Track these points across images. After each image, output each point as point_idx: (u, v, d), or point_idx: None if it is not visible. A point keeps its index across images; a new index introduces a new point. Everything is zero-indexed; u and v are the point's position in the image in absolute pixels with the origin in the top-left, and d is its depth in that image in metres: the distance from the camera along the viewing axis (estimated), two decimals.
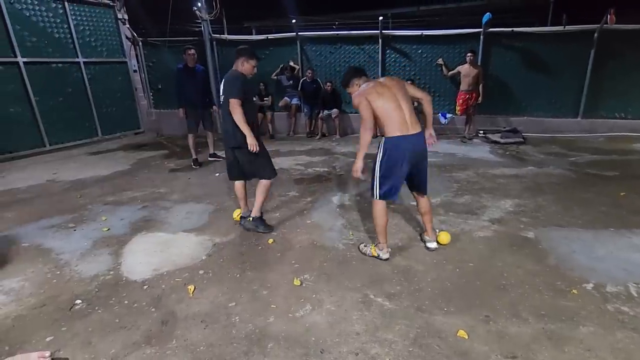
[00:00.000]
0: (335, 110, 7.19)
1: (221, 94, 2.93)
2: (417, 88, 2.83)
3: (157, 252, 2.89)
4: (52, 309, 2.22)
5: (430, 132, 2.73)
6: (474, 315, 2.07)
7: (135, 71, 7.55)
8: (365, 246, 2.80)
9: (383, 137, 2.53)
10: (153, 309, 2.21)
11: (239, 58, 2.94)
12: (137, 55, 7.60)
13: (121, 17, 7.12)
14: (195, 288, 2.40)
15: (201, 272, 2.61)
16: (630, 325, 1.96)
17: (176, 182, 4.66)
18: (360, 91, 2.52)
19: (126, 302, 2.29)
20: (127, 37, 7.29)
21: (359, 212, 3.54)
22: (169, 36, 7.59)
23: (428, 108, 2.70)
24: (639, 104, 6.74)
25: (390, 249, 2.71)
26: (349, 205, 3.75)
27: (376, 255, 2.69)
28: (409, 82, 6.50)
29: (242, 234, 3.17)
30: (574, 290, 2.26)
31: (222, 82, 2.94)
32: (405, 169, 2.52)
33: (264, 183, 3.11)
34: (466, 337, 1.91)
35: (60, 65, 6.33)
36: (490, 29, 6.76)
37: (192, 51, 5.18)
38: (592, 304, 2.14)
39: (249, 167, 3.07)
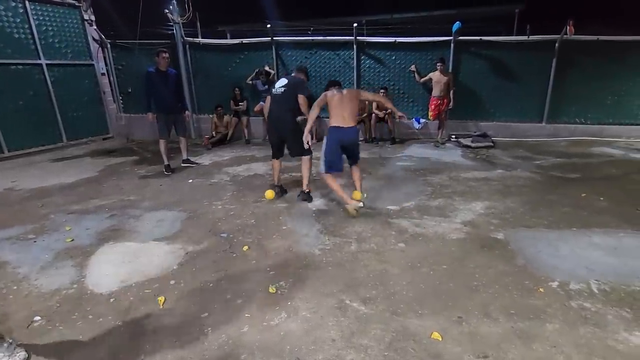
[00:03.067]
0: None
1: (282, 89, 3.83)
2: (374, 94, 3.97)
3: (125, 263, 2.77)
4: (7, 327, 2.07)
5: (398, 113, 3.84)
6: (447, 317, 2.10)
7: (103, 74, 7.25)
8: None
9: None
10: (120, 323, 2.11)
11: (301, 72, 4.04)
12: (105, 58, 7.32)
13: (87, 18, 6.84)
14: (165, 299, 2.32)
15: (172, 282, 2.51)
16: (592, 320, 2.05)
17: (147, 189, 4.49)
18: (326, 92, 3.63)
19: (90, 316, 2.17)
20: (94, 39, 7.01)
21: (335, 217, 3.54)
22: (140, 38, 7.37)
23: (387, 104, 4.02)
24: (597, 110, 7.18)
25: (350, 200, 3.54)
26: (325, 210, 3.75)
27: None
28: (382, 91, 6.65)
29: (215, 242, 3.09)
30: (540, 289, 2.35)
31: (286, 83, 3.85)
32: (340, 151, 3.57)
33: (306, 159, 3.95)
34: (440, 338, 1.93)
35: (20, 67, 5.99)
36: (460, 37, 7.00)
37: (166, 54, 5.06)
38: (558, 301, 2.23)
39: (297, 148, 3.89)
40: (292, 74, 4.04)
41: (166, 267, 2.70)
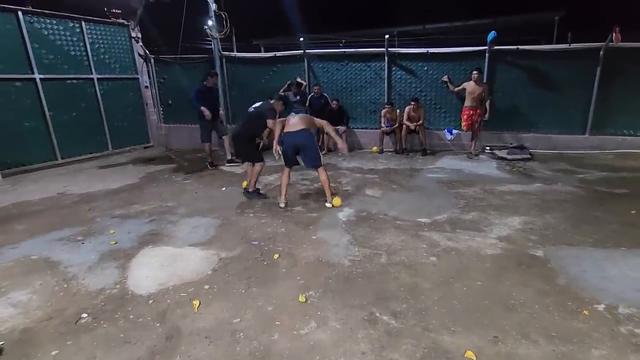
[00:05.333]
0: (341, 127, 7.26)
1: (253, 110, 4.44)
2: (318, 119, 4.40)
3: (163, 266, 2.90)
4: (58, 323, 2.24)
5: (340, 144, 4.38)
6: (482, 336, 2.03)
7: (146, 87, 7.75)
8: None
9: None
10: (158, 324, 2.21)
11: (279, 100, 4.52)
12: (148, 72, 7.81)
13: (135, 36, 7.36)
14: (200, 303, 2.40)
15: (206, 287, 2.61)
16: None
17: (183, 196, 4.70)
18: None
19: (131, 316, 2.29)
20: (139, 55, 7.52)
21: (365, 228, 3.53)
22: (180, 54, 7.81)
23: (327, 129, 4.49)
24: None
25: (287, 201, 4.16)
26: (354, 221, 3.74)
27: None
28: (412, 103, 6.61)
29: (247, 249, 3.17)
30: (585, 311, 2.21)
31: (258, 106, 4.44)
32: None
33: (259, 165, 4.50)
34: (474, 358, 1.87)
35: (74, 81, 6.54)
36: (496, 47, 6.83)
37: (217, 75, 6.57)
38: (604, 325, 2.08)
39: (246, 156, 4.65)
40: (271, 101, 4.47)
41: (201, 272, 2.81)
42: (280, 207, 4.13)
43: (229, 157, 6.42)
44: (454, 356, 1.88)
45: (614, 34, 6.17)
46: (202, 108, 5.97)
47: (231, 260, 2.98)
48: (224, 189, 5.01)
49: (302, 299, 2.42)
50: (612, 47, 6.35)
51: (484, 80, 6.74)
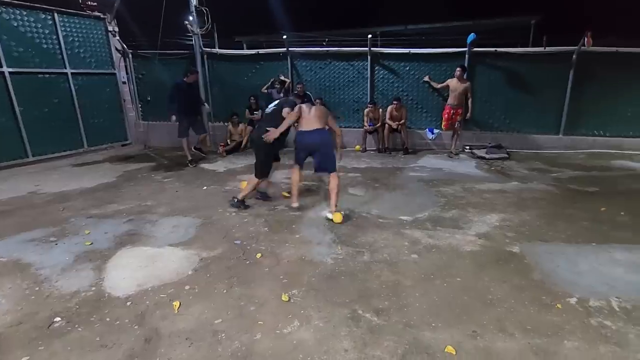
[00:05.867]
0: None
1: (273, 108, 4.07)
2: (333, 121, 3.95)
3: (142, 267, 2.83)
4: (29, 327, 2.14)
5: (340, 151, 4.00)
6: (461, 331, 2.07)
7: (124, 83, 7.51)
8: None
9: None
10: (136, 326, 2.15)
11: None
12: (126, 67, 7.58)
13: (111, 30, 7.12)
14: (180, 304, 2.35)
15: (187, 287, 2.55)
16: (613, 339, 1.99)
17: (163, 195, 4.59)
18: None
19: (108, 319, 2.22)
20: (116, 49, 7.28)
21: (348, 227, 3.54)
22: (160, 49, 7.61)
23: (338, 138, 3.98)
24: (616, 122, 7.02)
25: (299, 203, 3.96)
26: None
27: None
28: (395, 102, 6.64)
29: (229, 248, 3.13)
30: (558, 305, 2.29)
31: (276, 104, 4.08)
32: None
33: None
34: (454, 352, 1.91)
35: (47, 75, 6.26)
36: (475, 49, 6.99)
37: (198, 73, 6.61)
38: (576, 318, 2.17)
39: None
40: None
41: (181, 273, 2.75)
42: (294, 207, 3.92)
43: (198, 146, 6.63)
44: (434, 351, 1.92)
45: (585, 39, 6.44)
46: (171, 113, 6.07)
47: (213, 260, 2.94)
48: (205, 187, 4.92)
49: (285, 298, 2.40)
50: (584, 50, 6.62)
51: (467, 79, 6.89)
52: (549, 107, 7.13)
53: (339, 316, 2.22)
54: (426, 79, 7.12)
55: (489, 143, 6.98)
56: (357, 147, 7.50)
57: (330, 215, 3.67)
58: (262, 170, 3.98)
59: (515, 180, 5.18)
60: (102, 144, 7.18)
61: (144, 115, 7.99)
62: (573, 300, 2.34)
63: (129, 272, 2.76)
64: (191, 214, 3.92)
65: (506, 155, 6.59)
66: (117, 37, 7.25)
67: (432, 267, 2.78)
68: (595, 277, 2.61)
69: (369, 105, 7.20)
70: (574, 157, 6.73)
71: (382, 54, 7.42)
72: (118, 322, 2.19)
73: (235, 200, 4.05)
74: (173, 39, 8.59)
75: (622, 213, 3.82)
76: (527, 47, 8.84)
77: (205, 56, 7.62)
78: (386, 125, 7.12)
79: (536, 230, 3.45)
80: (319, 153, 3.73)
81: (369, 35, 7.11)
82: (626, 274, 2.65)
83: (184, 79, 6.07)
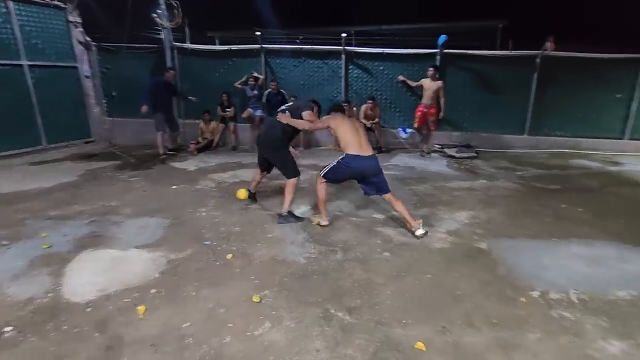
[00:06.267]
0: None
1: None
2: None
3: (105, 271, 2.68)
4: None
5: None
6: (431, 327, 2.11)
7: (87, 77, 7.12)
8: (313, 216, 3.61)
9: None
10: (97, 334, 2.03)
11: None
12: (90, 61, 7.19)
13: (73, 20, 6.73)
14: (145, 309, 2.25)
15: (153, 291, 2.45)
16: (572, 330, 2.09)
17: (129, 195, 4.39)
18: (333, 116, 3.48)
19: (65, 327, 2.09)
20: (79, 41, 6.89)
21: (321, 225, 3.52)
22: (127, 42, 7.28)
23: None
24: (574, 123, 7.43)
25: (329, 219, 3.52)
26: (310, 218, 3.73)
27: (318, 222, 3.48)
28: (369, 101, 6.69)
29: (199, 249, 3.03)
30: (522, 299, 2.38)
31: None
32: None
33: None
34: (424, 349, 1.93)
35: (0, 67, 5.83)
36: (446, 50, 7.17)
37: (173, 72, 6.75)
38: (538, 311, 2.26)
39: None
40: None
41: (147, 276, 2.63)
42: (323, 225, 3.46)
43: (170, 146, 6.74)
44: (404, 348, 1.94)
45: (548, 43, 6.76)
46: (142, 104, 6.18)
47: (181, 262, 2.83)
48: (174, 187, 4.75)
49: (256, 299, 2.36)
50: (546, 55, 6.95)
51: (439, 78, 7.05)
52: (515, 108, 7.44)
53: (311, 316, 2.20)
54: (401, 77, 7.22)
55: (459, 142, 7.19)
56: (331, 145, 7.50)
57: (421, 231, 3.25)
58: (293, 167, 3.66)
59: (483, 178, 5.36)
60: (63, 141, 6.78)
61: (109, 111, 7.60)
62: (536, 294, 2.44)
63: (90, 276, 2.61)
64: (159, 215, 3.77)
65: (475, 155, 6.81)
66: (80, 29, 6.86)
67: (403, 264, 2.82)
68: (556, 271, 2.73)
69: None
70: (538, 156, 7.06)
71: (356, 53, 7.46)
72: (77, 330, 2.06)
73: (282, 215, 3.62)
74: (141, 32, 8.25)
75: (580, 209, 4.04)
76: (495, 50, 9.17)
77: (175, 51, 7.37)
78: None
79: (502, 226, 3.58)
80: (375, 177, 3.33)
81: (343, 34, 7.12)
82: (584, 267, 2.80)
83: (163, 78, 6.46)
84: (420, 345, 1.95)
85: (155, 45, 7.30)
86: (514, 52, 7.23)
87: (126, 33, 6.89)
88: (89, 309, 2.25)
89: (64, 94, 6.76)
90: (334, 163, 3.34)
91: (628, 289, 2.50)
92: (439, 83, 6.70)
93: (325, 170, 3.40)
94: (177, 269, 2.73)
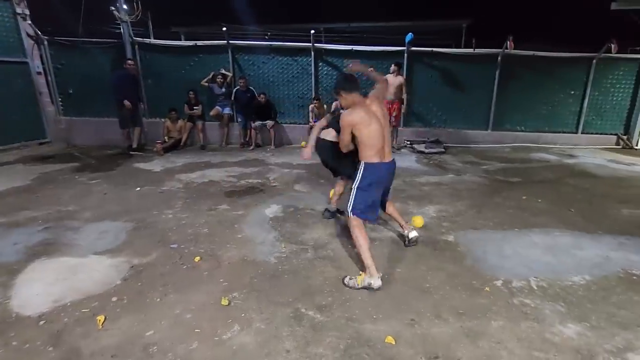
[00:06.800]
0: (269, 122, 7.12)
1: None
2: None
3: (60, 280, 2.51)
4: None
5: None
6: (400, 320, 2.13)
7: (39, 73, 6.66)
8: (350, 279, 2.46)
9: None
10: (51, 348, 1.90)
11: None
12: (42, 56, 6.72)
13: (21, 12, 6.25)
14: (105, 318, 2.13)
15: (114, 299, 2.32)
16: (532, 316, 2.18)
17: (89, 199, 4.15)
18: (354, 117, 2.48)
19: (15, 343, 1.93)
20: (28, 35, 6.42)
21: (292, 224, 3.49)
22: (84, 36, 6.87)
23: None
24: (534, 119, 7.82)
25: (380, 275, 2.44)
26: (282, 217, 3.68)
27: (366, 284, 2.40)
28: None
29: (164, 253, 2.91)
30: (486, 288, 2.46)
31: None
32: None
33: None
34: (394, 342, 1.95)
35: None
36: (413, 48, 7.31)
37: (132, 61, 6.49)
38: (502, 299, 2.35)
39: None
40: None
41: (108, 283, 2.49)
42: (374, 288, 2.41)
43: (134, 145, 6.60)
44: (375, 343, 1.95)
45: (508, 42, 7.05)
46: (125, 101, 6.20)
47: (145, 267, 2.71)
48: (138, 188, 4.54)
49: (224, 302, 2.29)
50: (507, 53, 7.25)
51: (403, 75, 7.18)
52: (479, 104, 7.72)
53: (281, 316, 2.16)
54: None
55: (428, 138, 7.37)
56: (304, 143, 7.46)
57: (412, 235, 3.03)
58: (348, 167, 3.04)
59: (451, 172, 5.52)
60: (13, 142, 6.31)
61: (65, 110, 7.16)
62: (499, 283, 2.53)
63: (44, 286, 2.44)
64: (122, 218, 3.59)
65: (443, 150, 7.00)
66: (29, 21, 6.39)
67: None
68: (517, 260, 2.85)
69: (314, 101, 7.20)
70: (501, 150, 7.37)
71: (325, 50, 7.45)
72: (28, 346, 1.92)
73: (328, 211, 3.58)
74: (99, 26, 7.82)
75: (539, 200, 4.24)
76: (460, 48, 9.47)
77: (136, 46, 7.03)
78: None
79: (468, 219, 3.69)
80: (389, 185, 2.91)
81: (312, 31, 7.08)
82: (543, 255, 2.94)
83: (125, 69, 6.31)
84: (390, 339, 1.97)
85: (113, 40, 6.94)
86: (477, 51, 7.50)
87: (80, 27, 6.51)
88: (42, 322, 2.09)
89: (12, 91, 6.30)
90: (355, 190, 2.57)
91: (583, 274, 2.65)
92: (401, 79, 6.84)
93: (351, 204, 2.56)
94: (140, 275, 2.60)
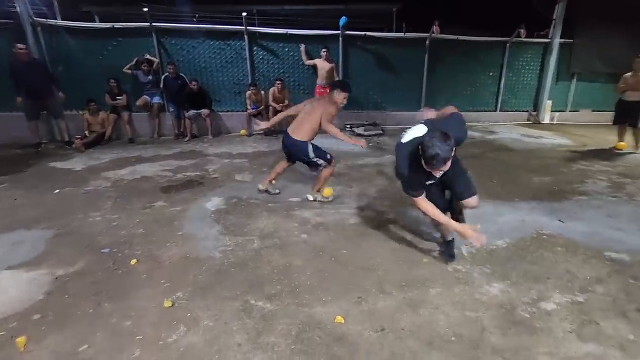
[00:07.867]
0: (205, 110, 6.76)
1: None
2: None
3: None
4: None
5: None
6: (348, 300, 2.21)
7: None
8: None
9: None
10: None
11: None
12: None
13: None
14: (28, 339, 1.90)
15: (37, 317, 2.08)
16: (463, 280, 2.41)
17: None
18: None
19: None
20: None
21: (236, 216, 3.40)
22: None
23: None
24: (460, 99, 8.42)
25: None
26: (224, 209, 3.56)
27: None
28: (278, 82, 6.52)
29: (95, 260, 2.66)
30: (424, 260, 2.65)
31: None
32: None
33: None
34: (343, 321, 2.02)
35: None
36: (348, 32, 7.39)
37: (22, 47, 5.47)
38: (438, 268, 2.55)
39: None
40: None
41: (28, 300, 2.22)
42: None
43: (66, 139, 6.13)
44: (326, 325, 2.00)
45: (434, 27, 7.45)
46: (18, 96, 5.61)
47: (72, 278, 2.45)
48: (57, 191, 4.06)
49: (168, 304, 2.17)
50: (434, 38, 7.67)
51: (337, 62, 7.25)
52: (412, 86, 8.11)
53: (230, 311, 2.12)
54: (302, 48, 7.18)
55: (367, 121, 7.60)
56: (243, 131, 7.24)
57: (311, 198, 3.74)
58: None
59: (389, 154, 5.77)
60: None
61: None
62: (435, 254, 2.74)
63: None
64: (39, 226, 3.20)
65: (381, 132, 7.28)
66: None
67: (320, 244, 2.89)
68: None
69: (250, 88, 6.98)
70: None
71: (260, 34, 7.21)
72: None
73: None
74: None
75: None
76: (392, 32, 9.80)
77: (38, 29, 6.14)
78: (270, 107, 7.03)
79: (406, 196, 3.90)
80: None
81: (244, 14, 6.78)
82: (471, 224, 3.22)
83: (16, 57, 5.48)
84: (339, 319, 2.03)
85: (8, 21, 5.98)
86: (407, 35, 7.81)
87: None
88: None
89: None
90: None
91: (504, 238, 2.97)
92: (332, 64, 6.94)
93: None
94: (67, 286, 2.36)
